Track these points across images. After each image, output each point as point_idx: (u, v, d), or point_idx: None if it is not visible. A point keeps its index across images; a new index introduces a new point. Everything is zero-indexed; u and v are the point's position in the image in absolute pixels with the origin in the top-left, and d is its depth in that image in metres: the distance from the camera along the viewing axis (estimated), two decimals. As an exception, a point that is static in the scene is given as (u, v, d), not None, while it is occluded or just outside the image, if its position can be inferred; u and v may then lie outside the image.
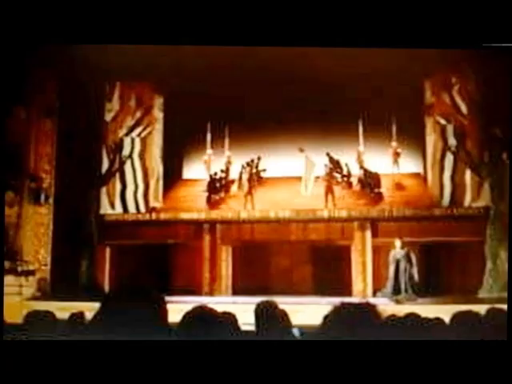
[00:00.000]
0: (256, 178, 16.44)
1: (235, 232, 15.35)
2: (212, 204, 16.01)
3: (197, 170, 17.24)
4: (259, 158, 17.01)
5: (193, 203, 16.08)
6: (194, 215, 15.32)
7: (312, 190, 14.90)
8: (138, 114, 16.31)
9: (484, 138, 14.16)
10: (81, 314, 4.91)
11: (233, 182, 16.78)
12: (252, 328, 4.16)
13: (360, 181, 16.13)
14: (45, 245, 13.76)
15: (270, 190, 16.34)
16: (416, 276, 12.61)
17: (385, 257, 14.22)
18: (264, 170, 17.07)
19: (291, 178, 16.25)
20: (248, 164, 16.57)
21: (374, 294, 14.07)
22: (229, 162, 16.97)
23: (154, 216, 15.44)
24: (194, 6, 5.30)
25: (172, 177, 17.04)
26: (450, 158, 15.11)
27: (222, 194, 16.49)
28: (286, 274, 15.93)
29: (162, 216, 15.38)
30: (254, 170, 16.61)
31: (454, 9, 5.19)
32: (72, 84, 13.85)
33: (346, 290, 14.27)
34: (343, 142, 16.44)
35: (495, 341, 3.07)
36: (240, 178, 16.33)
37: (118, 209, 15.88)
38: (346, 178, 16.36)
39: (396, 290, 13.16)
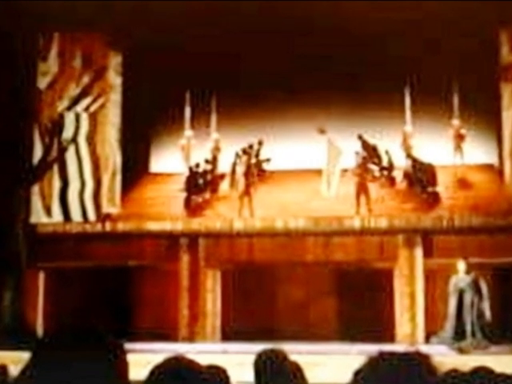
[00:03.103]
0: (256, 172, 16.46)
1: (226, 250, 15.44)
2: (193, 209, 16.09)
3: (170, 159, 17.23)
4: (260, 143, 16.96)
5: (165, 208, 16.11)
6: (166, 225, 15.37)
7: (337, 188, 15.09)
8: (86, 79, 16.39)
9: None
10: (2, 369, 5.01)
11: (223, 177, 16.81)
12: (251, 389, 4.16)
13: (407, 175, 16.18)
14: (-50, 268, 14.26)
15: (277, 188, 16.30)
16: (488, 313, 12.87)
17: (443, 286, 14.25)
18: (267, 160, 17.05)
19: (307, 172, 16.25)
20: (245, 151, 16.50)
21: (428, 339, 14.12)
22: (217, 149, 16.95)
23: (108, 226, 15.59)
24: None
25: (135, 170, 17.10)
26: (536, 143, 15.59)
27: (207, 195, 16.56)
28: (299, 310, 15.98)
29: (121, 226, 15.52)
30: (254, 161, 16.59)
31: None
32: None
33: (387, 334, 14.34)
34: (382, 119, 16.49)
35: None
36: (233, 172, 16.32)
37: (57, 216, 15.98)
38: (386, 172, 16.41)
39: (459, 334, 13.21)
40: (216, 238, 15.34)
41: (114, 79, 16.65)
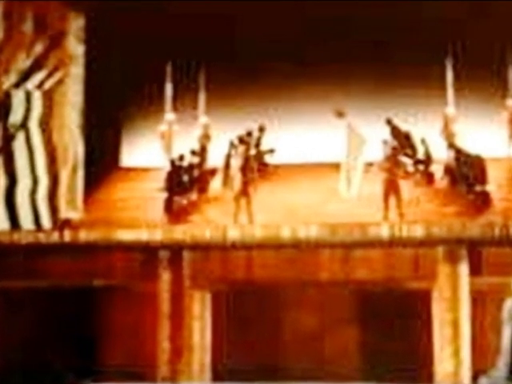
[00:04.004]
0: (256, 166, 16.51)
1: (218, 265, 15.41)
2: (176, 214, 16.14)
3: (147, 150, 17.41)
4: (262, 130, 17.05)
5: (140, 212, 16.16)
6: (141, 234, 15.34)
7: (360, 187, 15.11)
8: (39, 48, 16.39)
9: None
10: None
11: (214, 172, 16.90)
12: None
13: (449, 171, 16.20)
14: None
15: (283, 187, 16.36)
16: (553, 347, 12.57)
17: (494, 311, 14.07)
18: (271, 152, 17.17)
19: (321, 166, 16.34)
20: (242, 140, 16.54)
21: (475, 379, 13.56)
22: (206, 137, 17.07)
23: (67, 236, 15.53)
24: None
25: (101, 163, 17.23)
26: None
27: (194, 196, 16.62)
28: (311, 342, 16.00)
29: (84, 236, 15.48)
30: (253, 152, 16.63)
31: None
32: None
33: (423, 373, 14.33)
34: (417, 98, 16.55)
35: None
36: (227, 166, 16.37)
37: (2, 222, 15.97)
38: (422, 166, 16.47)
39: (516, 373, 13.26)
40: (205, 250, 15.31)
41: (75, 48, 16.56)
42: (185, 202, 16.35)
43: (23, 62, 16.38)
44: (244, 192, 15.50)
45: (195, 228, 15.48)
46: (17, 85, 16.31)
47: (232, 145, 16.41)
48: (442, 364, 14.48)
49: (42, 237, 15.62)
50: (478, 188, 15.63)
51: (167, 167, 16.36)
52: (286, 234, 15.05)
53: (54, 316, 15.83)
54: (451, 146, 16.29)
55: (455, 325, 14.60)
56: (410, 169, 16.37)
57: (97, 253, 15.40)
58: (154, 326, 15.21)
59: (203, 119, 17.10)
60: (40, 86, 16.35)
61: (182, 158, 16.47)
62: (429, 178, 16.36)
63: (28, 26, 16.37)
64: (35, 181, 16.21)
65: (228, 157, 16.32)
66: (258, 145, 16.85)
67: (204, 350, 15.33)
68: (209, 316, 15.57)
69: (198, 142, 16.88)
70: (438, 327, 14.77)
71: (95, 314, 16.42)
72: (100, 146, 17.04)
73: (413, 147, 16.45)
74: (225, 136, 16.55)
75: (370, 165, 15.45)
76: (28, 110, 16.22)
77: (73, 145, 16.54)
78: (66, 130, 16.46)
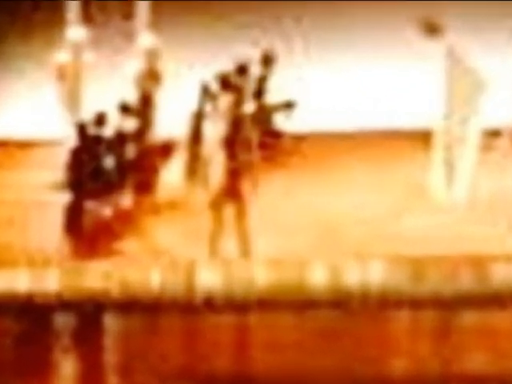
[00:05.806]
0: (257, 138, 15.30)
1: (177, 345, 14.20)
2: (88, 237, 15.07)
3: (27, 106, 17.44)
4: (268, 62, 17.00)
5: (12, 233, 15.48)
6: (16, 280, 14.15)
7: (473, 182, 14.98)
8: None
9: None
10: None
11: (167, 150, 16.60)
12: None
13: None
14: None
15: (312, 181, 15.78)
16: None
17: None
18: (288, 107, 16.94)
19: (389, 139, 16.10)
20: (227, 83, 16.02)
21: None
22: (152, 76, 16.80)
23: None
24: None
25: None
26: None
27: (127, 199, 15.98)
28: None
29: None
30: (251, 107, 15.98)
31: None
32: None
33: None
34: None
35: None
36: (196, 138, 15.60)
37: None
38: None
39: None
40: (150, 312, 14.23)
41: None
42: (107, 211, 15.70)
43: None
44: (231, 191, 15.25)
45: (128, 267, 14.47)
46: None
47: (206, 92, 15.89)
48: None
49: None
50: None
51: (71, 139, 15.47)
52: (318, 277, 14.19)
53: None
54: None
55: None
56: None
57: None
58: None
59: (146, 40, 16.57)
60: None
61: (101, 119, 16.02)
62: None
63: None
64: None
65: (198, 117, 15.64)
66: (259, 93, 16.32)
67: None
68: None
69: (135, 86, 16.15)
70: None
71: None
72: None
73: None
74: (191, 74, 15.93)
75: (495, 135, 14.67)
76: None
77: None
78: None
